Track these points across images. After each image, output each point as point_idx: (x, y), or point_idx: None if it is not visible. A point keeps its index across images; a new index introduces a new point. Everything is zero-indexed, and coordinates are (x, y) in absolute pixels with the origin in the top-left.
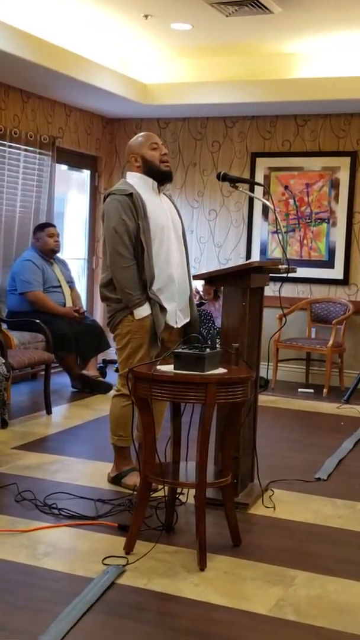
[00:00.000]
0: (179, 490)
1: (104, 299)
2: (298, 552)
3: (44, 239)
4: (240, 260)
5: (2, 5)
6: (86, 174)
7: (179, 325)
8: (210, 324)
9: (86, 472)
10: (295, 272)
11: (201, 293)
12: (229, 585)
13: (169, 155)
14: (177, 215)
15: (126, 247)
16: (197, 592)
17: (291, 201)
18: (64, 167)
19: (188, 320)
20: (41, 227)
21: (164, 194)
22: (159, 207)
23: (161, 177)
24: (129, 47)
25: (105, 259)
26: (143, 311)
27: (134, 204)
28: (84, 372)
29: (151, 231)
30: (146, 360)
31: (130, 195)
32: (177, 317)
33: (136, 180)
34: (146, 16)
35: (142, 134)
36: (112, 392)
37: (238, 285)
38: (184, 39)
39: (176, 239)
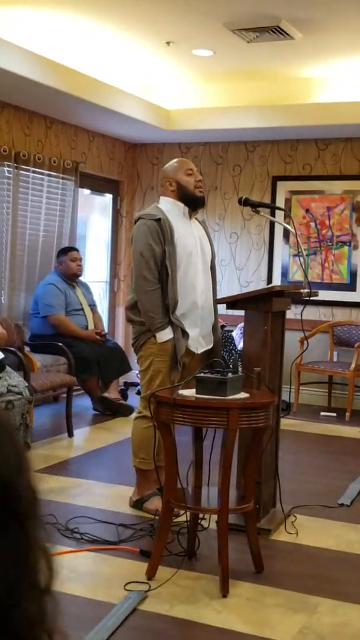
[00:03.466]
0: (200, 515)
1: (129, 320)
2: (321, 579)
3: (67, 263)
4: (262, 283)
5: (25, 33)
6: (108, 197)
7: (200, 352)
8: (231, 347)
9: (108, 496)
10: (317, 295)
11: None
12: (252, 612)
13: (202, 182)
14: (207, 242)
15: (151, 271)
16: (220, 619)
17: (312, 224)
18: (86, 191)
19: (210, 346)
20: (64, 251)
21: (196, 219)
22: (188, 232)
23: (194, 202)
24: (151, 73)
25: (132, 282)
26: (165, 335)
27: (161, 229)
28: (106, 394)
29: (177, 256)
30: (167, 384)
31: (159, 220)
32: (199, 343)
33: (168, 206)
34: (168, 43)
35: (177, 159)
36: (134, 415)
37: (260, 309)
38: (205, 65)
39: (203, 265)
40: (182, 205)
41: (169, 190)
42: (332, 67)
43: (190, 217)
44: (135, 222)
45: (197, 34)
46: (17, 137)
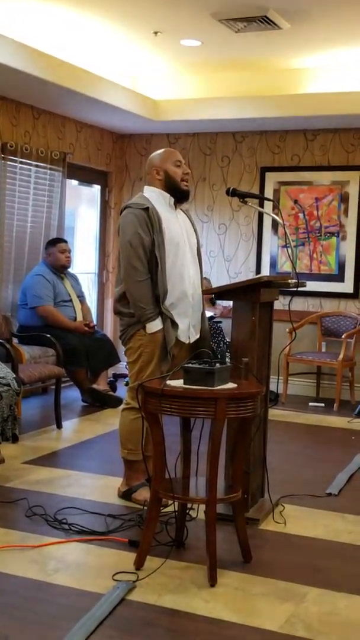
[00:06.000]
0: (189, 505)
1: (117, 312)
2: (309, 568)
3: (56, 255)
4: (250, 274)
5: (12, 22)
6: (96, 188)
7: (191, 341)
8: (220, 338)
9: (96, 487)
10: (304, 286)
11: None
12: (240, 601)
13: (190, 175)
14: (193, 231)
15: (141, 261)
16: (208, 609)
17: (301, 215)
18: (74, 182)
19: (199, 336)
20: (53, 243)
21: (181, 209)
22: (174, 222)
23: (180, 195)
24: (139, 64)
25: (119, 273)
26: (155, 326)
27: (149, 218)
28: (94, 386)
29: (166, 246)
30: (157, 375)
31: (147, 209)
32: (190, 332)
33: (154, 195)
34: (156, 33)
35: (165, 149)
36: (122, 406)
37: (248, 299)
38: (193, 55)
39: (191, 255)
40: (167, 195)
41: (155, 179)
42: (320, 58)
43: (176, 208)
44: (121, 212)
45: (184, 24)
46: (4, 128)
